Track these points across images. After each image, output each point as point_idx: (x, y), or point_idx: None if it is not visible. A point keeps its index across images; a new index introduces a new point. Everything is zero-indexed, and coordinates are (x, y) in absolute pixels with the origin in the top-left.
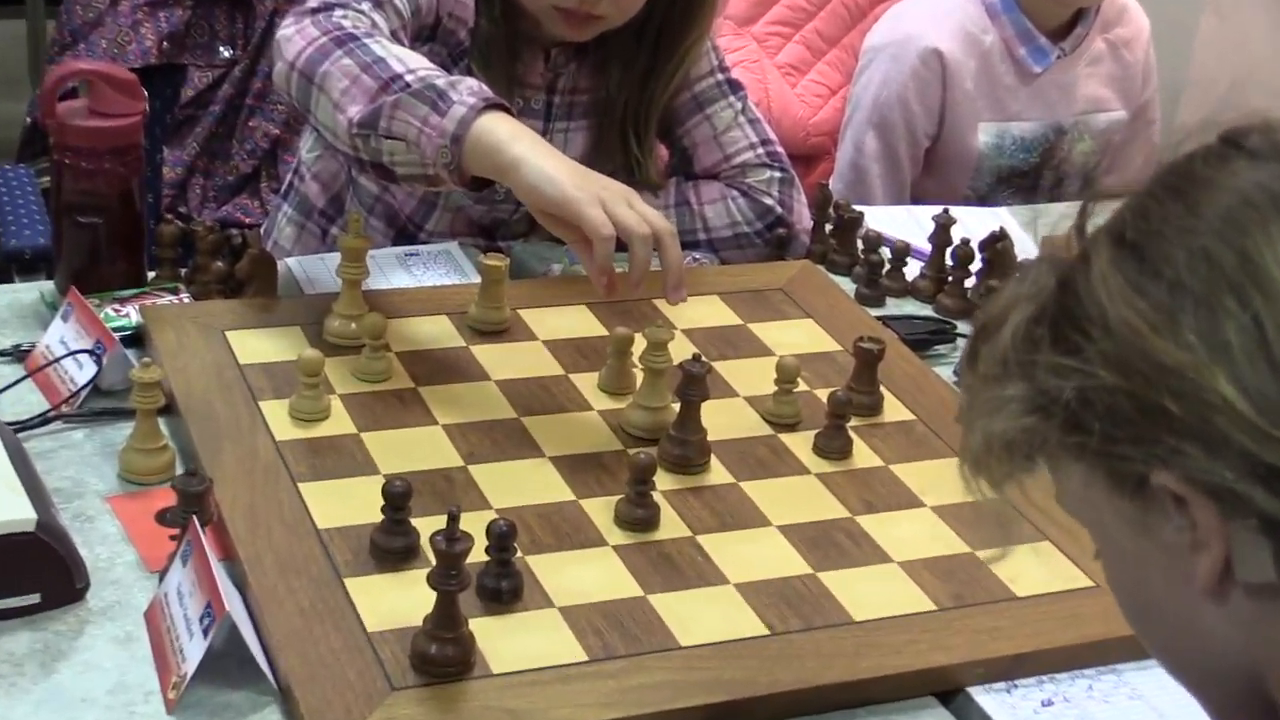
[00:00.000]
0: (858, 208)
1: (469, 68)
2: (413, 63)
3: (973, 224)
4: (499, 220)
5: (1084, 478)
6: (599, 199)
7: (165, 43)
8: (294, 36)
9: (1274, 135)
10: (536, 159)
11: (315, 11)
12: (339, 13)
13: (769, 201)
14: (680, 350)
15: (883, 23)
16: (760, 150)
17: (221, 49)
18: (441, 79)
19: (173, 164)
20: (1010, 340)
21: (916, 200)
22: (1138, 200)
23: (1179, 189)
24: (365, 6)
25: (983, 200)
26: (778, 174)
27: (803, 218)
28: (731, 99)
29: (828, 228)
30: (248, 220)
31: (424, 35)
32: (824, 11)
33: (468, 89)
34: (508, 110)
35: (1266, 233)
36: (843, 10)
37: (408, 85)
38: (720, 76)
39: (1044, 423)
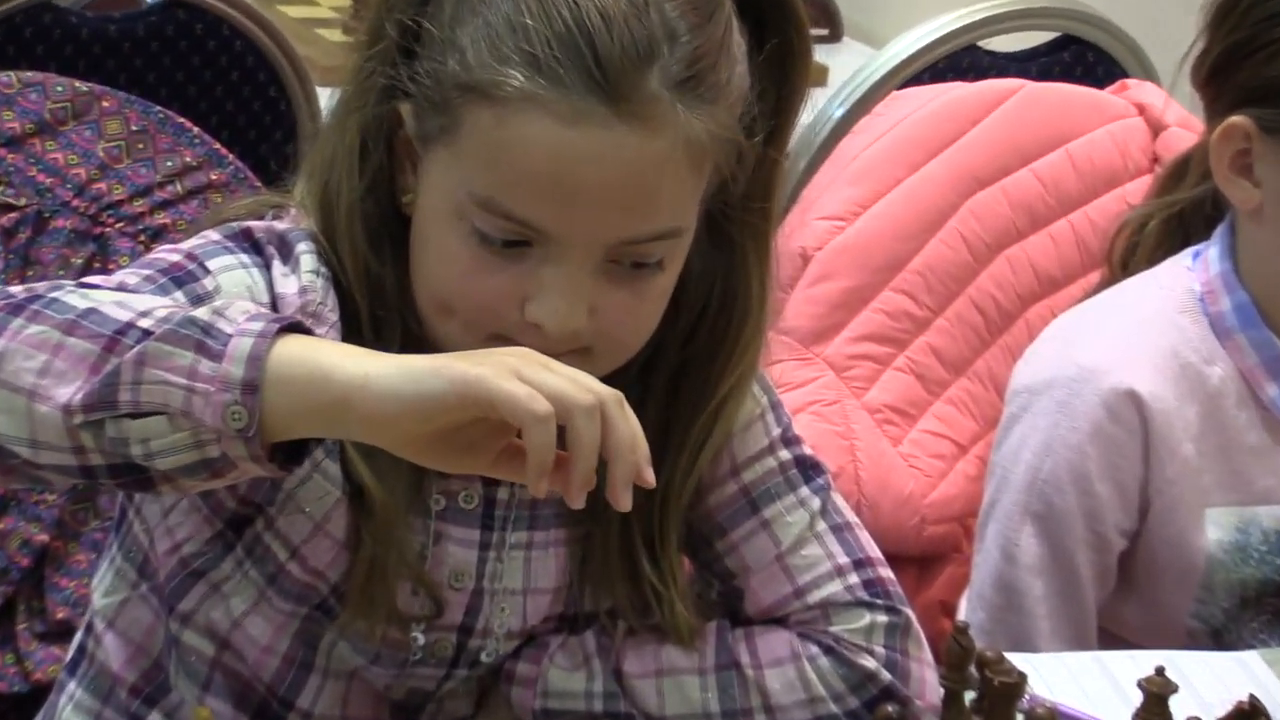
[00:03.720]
0: (1015, 660)
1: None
2: (142, 303)
3: (1204, 681)
4: (419, 694)
5: None
6: (510, 369)
7: None
8: None
9: None
10: (386, 366)
11: None
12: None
13: (869, 663)
14: None
15: (1044, 346)
16: (853, 577)
17: None
18: (199, 309)
19: None
20: None
21: (1107, 639)
22: None
23: None
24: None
25: (1218, 637)
26: (882, 617)
27: (925, 685)
28: (805, 491)
29: (968, 698)
30: None
31: None
32: (944, 316)
33: (243, 311)
34: (308, 331)
35: None
36: (974, 315)
37: (148, 332)
38: (785, 455)
39: None
